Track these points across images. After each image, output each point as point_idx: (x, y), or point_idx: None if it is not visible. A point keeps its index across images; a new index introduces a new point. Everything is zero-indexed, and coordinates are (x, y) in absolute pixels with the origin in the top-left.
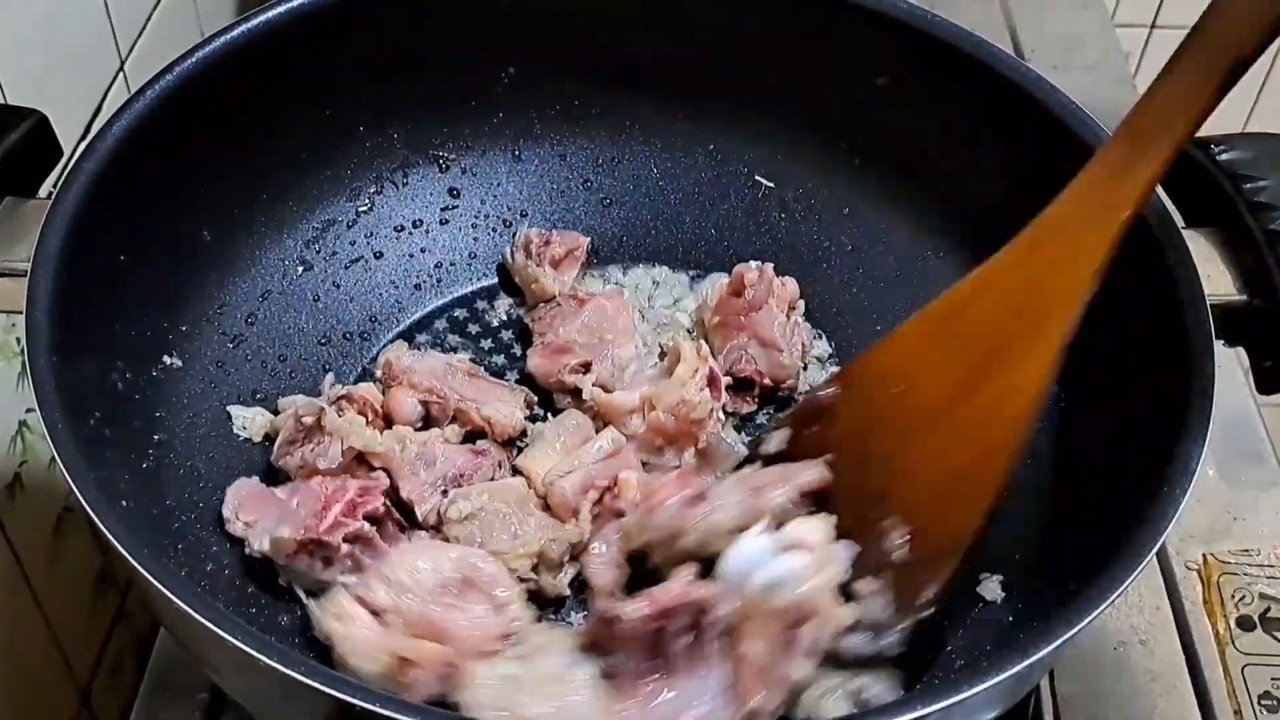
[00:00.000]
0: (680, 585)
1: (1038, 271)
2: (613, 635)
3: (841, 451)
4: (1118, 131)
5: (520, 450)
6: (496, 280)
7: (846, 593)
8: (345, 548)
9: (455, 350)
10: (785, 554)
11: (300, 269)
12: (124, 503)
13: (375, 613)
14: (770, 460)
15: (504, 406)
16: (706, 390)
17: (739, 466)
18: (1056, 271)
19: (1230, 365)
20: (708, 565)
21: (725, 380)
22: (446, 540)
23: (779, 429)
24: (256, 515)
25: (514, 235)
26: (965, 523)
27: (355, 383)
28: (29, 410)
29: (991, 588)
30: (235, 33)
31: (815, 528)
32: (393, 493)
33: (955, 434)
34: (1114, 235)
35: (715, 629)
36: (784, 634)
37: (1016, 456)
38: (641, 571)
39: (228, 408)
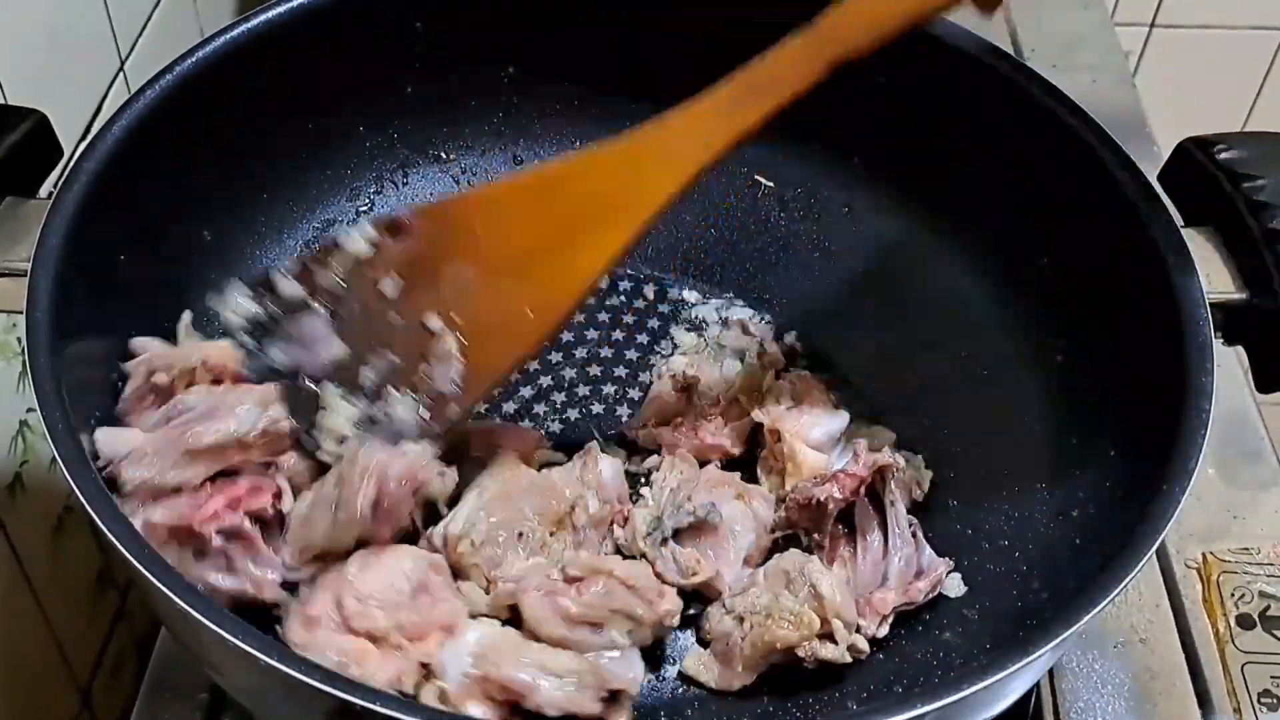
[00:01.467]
0: (865, 460)
1: (627, 176)
2: (810, 515)
3: (416, 269)
4: (732, 78)
5: None
6: None
7: None
8: (219, 542)
9: None
10: None
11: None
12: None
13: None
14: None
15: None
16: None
17: None
18: (642, 182)
19: (1230, 364)
20: None
21: None
22: None
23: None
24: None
25: None
26: (502, 361)
27: None
28: (29, 410)
29: (954, 581)
30: (235, 32)
31: None
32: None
33: (520, 285)
34: (700, 164)
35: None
36: None
37: (561, 321)
38: None
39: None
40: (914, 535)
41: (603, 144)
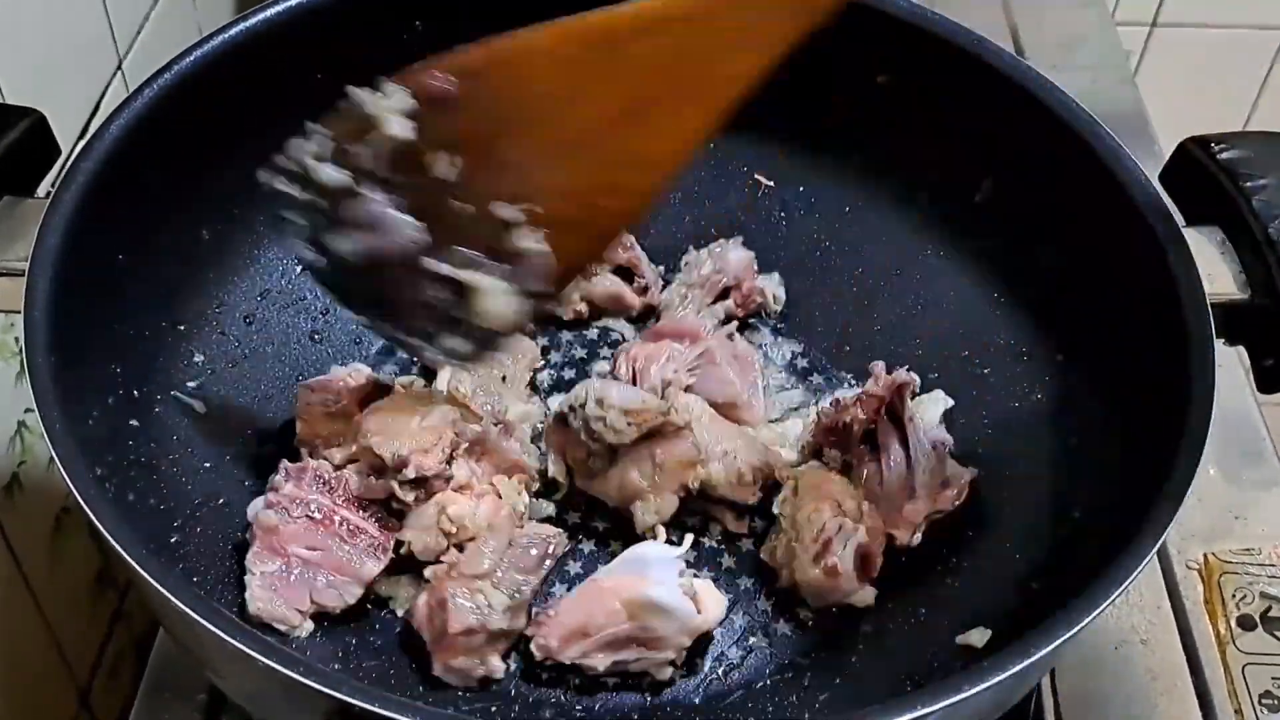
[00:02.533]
0: (883, 381)
1: (711, 38)
2: (837, 437)
3: (471, 145)
4: None
5: None
6: None
7: None
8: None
9: None
10: None
11: (299, 268)
12: (123, 502)
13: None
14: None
15: None
16: None
17: None
18: (729, 46)
19: (1231, 365)
20: None
21: None
22: None
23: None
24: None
25: None
26: (590, 250)
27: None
28: (28, 410)
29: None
30: (234, 32)
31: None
32: None
33: (596, 164)
34: (793, 34)
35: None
36: None
37: (648, 203)
38: None
39: None
40: (934, 449)
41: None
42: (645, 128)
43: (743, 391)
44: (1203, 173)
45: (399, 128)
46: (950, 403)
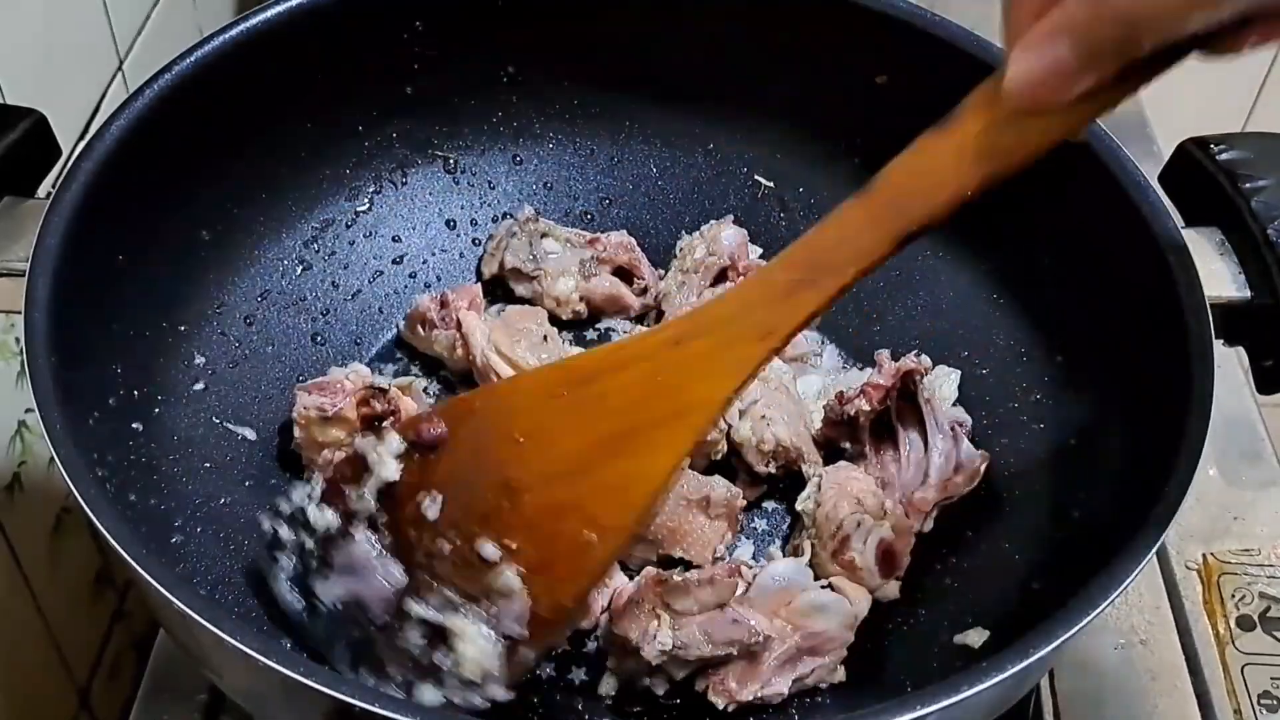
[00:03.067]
0: (888, 369)
1: (680, 368)
2: (844, 430)
3: (457, 483)
4: (787, 254)
5: None
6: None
7: None
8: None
9: None
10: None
11: (299, 269)
12: (123, 503)
13: None
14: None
15: None
16: None
17: None
18: (698, 375)
19: (1230, 365)
20: None
21: None
22: None
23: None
24: None
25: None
26: (569, 592)
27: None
28: (28, 410)
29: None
30: (234, 32)
31: None
32: None
33: (574, 499)
34: (759, 359)
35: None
36: None
37: (625, 545)
38: None
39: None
40: (953, 430)
41: (644, 335)
42: (625, 454)
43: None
44: (1202, 173)
45: (392, 471)
46: (958, 374)
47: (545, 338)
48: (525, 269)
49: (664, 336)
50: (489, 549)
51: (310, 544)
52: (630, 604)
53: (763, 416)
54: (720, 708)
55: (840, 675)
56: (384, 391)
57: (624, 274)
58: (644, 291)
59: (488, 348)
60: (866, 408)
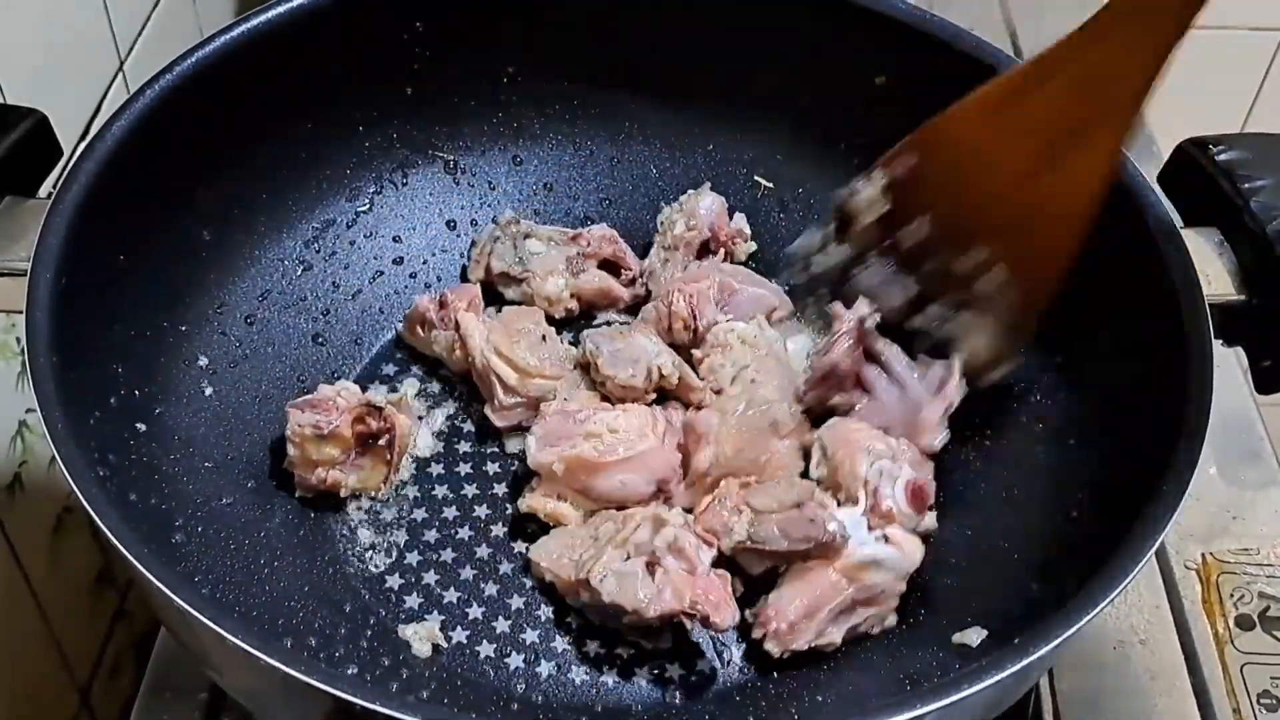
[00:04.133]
0: (845, 318)
1: (1099, 61)
2: (831, 381)
3: (934, 208)
4: None
5: None
6: None
7: None
8: None
9: None
10: None
11: (300, 269)
12: (125, 502)
13: None
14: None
15: None
16: None
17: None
18: (1119, 60)
19: (1230, 365)
20: None
21: None
22: None
23: (867, 185)
24: None
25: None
26: (1052, 269)
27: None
28: (29, 410)
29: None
30: (235, 33)
31: None
32: None
33: (1036, 200)
34: (1174, 38)
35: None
36: None
37: (1090, 219)
38: None
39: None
40: (913, 362)
41: (1060, 44)
42: (1067, 158)
43: (775, 296)
44: (1201, 174)
45: (876, 206)
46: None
47: (544, 337)
48: (513, 272)
49: (1075, 43)
50: (980, 253)
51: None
52: (715, 501)
53: (752, 380)
54: (775, 655)
55: (891, 621)
56: (379, 409)
57: (610, 267)
58: (632, 282)
59: (486, 348)
60: (846, 359)
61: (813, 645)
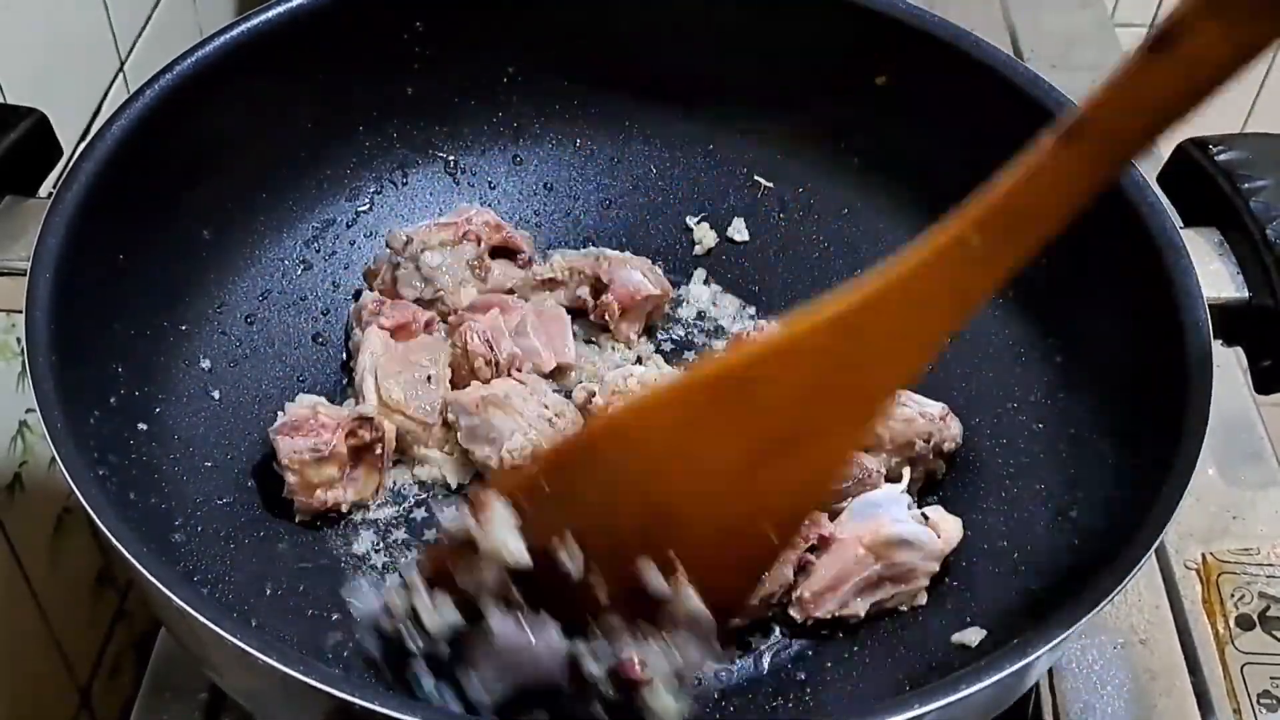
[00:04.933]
0: None
1: (856, 358)
2: None
3: (583, 535)
4: (978, 211)
5: None
6: None
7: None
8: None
9: None
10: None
11: (300, 268)
12: (124, 501)
13: None
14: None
15: None
16: None
17: None
18: (878, 361)
19: (1230, 365)
20: None
21: None
22: None
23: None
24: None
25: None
26: (744, 584)
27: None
28: (29, 410)
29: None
30: (235, 32)
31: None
32: None
33: (739, 505)
34: (950, 329)
35: None
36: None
37: (796, 527)
38: None
39: None
40: None
41: (799, 328)
42: (792, 456)
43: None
44: (1201, 174)
45: (518, 553)
46: None
47: (430, 379)
48: (425, 296)
49: (831, 327)
50: (654, 578)
51: (443, 648)
52: None
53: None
54: (799, 621)
55: (922, 599)
56: (369, 419)
57: (507, 253)
58: (529, 262)
59: (368, 370)
60: None
61: (835, 615)
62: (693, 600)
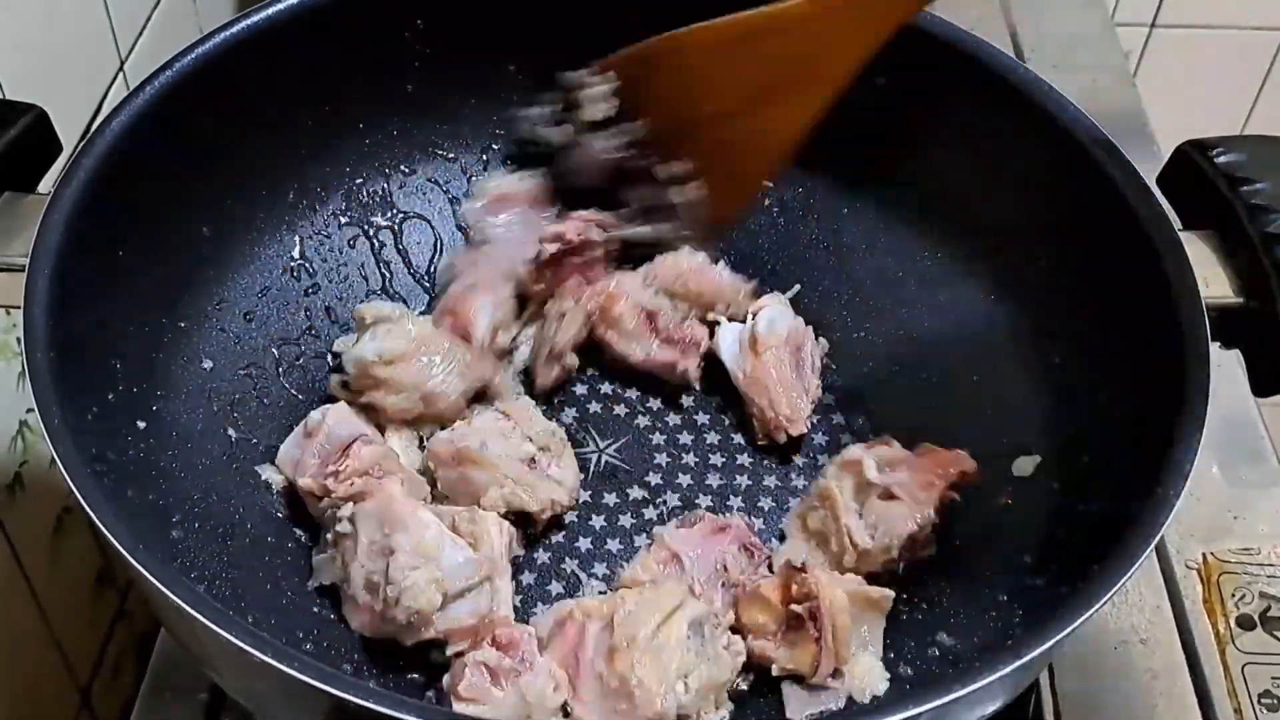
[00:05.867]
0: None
1: (826, 32)
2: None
3: (654, 115)
4: None
5: None
6: None
7: None
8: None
9: None
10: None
11: (300, 266)
12: (122, 498)
13: None
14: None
15: None
16: None
17: None
18: (841, 39)
19: (1230, 365)
20: None
21: None
22: None
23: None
24: None
25: None
26: (740, 197)
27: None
28: (29, 410)
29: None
30: (235, 30)
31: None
32: None
33: (739, 134)
34: (886, 34)
35: None
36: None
37: (780, 163)
38: None
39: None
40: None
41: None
42: (770, 109)
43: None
44: (1200, 176)
45: (597, 110)
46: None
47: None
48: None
49: (811, 8)
50: (683, 165)
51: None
52: None
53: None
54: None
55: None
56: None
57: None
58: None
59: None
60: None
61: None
62: (695, 188)
